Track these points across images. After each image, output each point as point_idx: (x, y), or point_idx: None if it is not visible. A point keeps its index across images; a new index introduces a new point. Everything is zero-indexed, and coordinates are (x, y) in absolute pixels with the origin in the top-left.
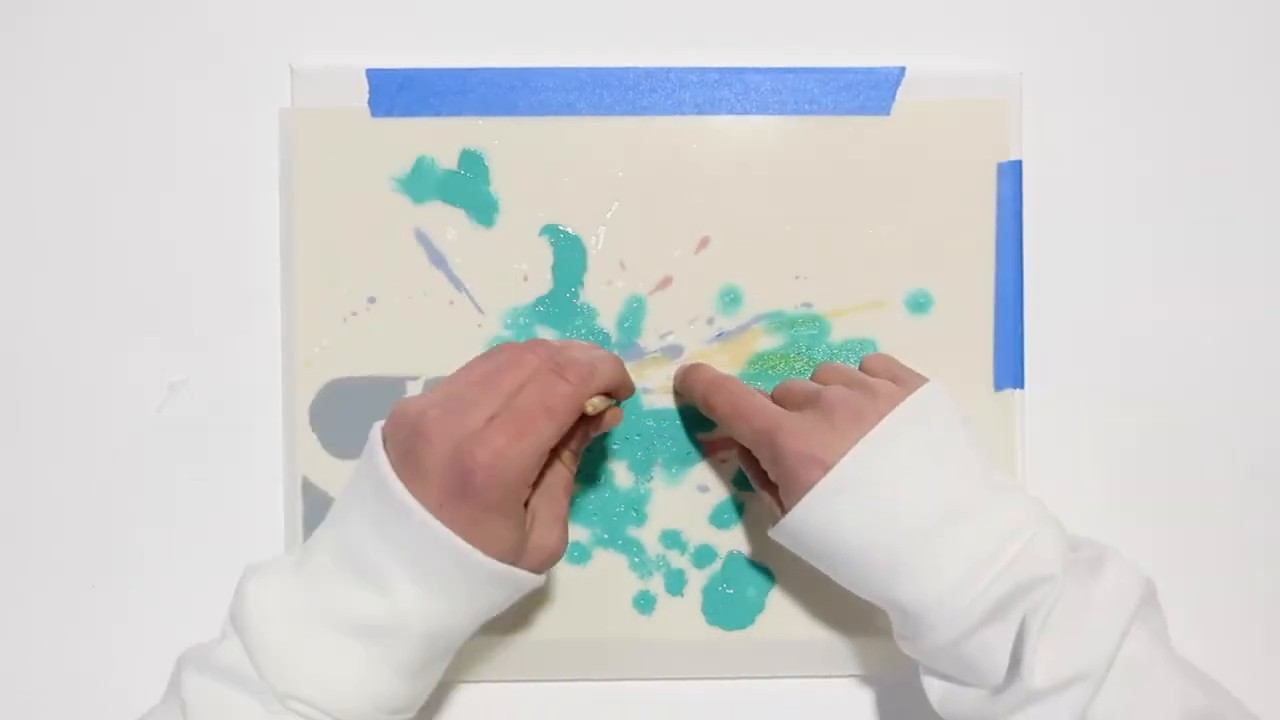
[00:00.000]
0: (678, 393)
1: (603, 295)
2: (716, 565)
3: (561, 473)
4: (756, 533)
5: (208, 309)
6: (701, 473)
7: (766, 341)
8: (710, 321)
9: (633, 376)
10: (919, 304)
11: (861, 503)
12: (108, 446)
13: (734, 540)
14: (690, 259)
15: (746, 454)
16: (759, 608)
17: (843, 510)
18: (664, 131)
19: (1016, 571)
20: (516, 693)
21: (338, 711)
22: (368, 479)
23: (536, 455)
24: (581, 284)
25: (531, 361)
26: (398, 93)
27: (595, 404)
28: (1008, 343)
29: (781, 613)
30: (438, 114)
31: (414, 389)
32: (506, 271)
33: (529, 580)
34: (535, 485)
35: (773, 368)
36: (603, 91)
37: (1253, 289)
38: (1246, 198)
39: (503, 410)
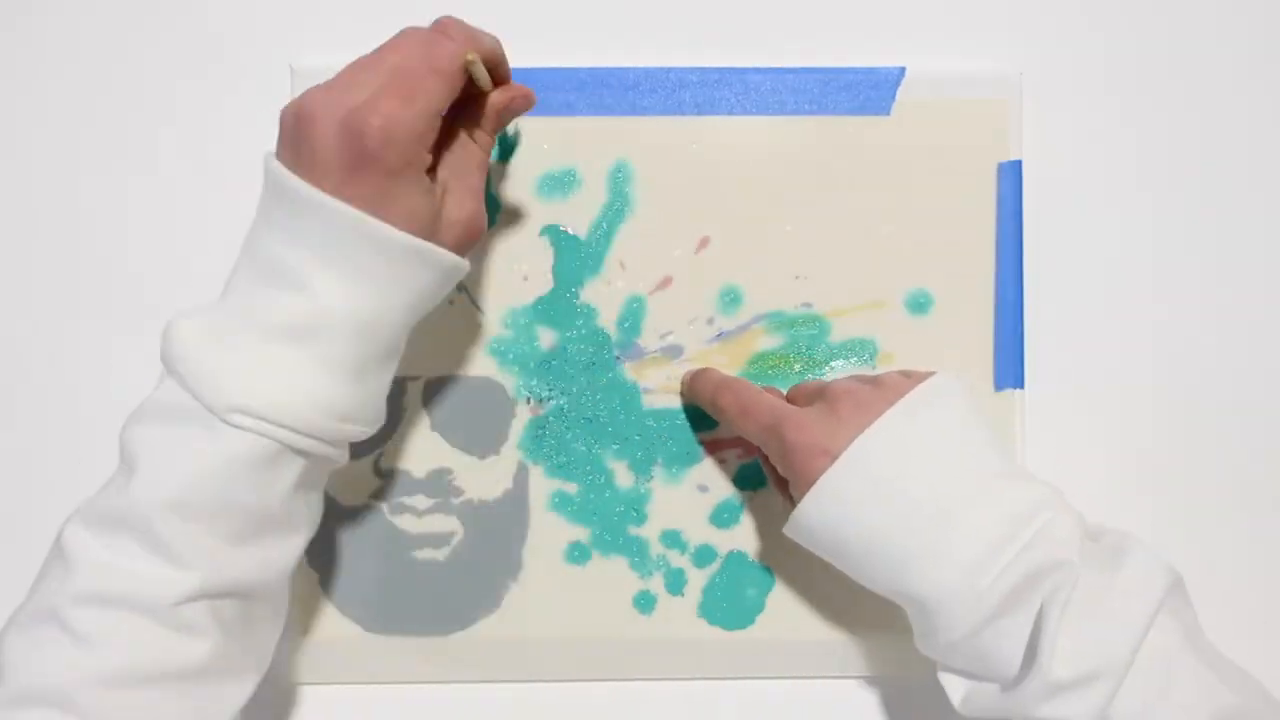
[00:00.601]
0: (684, 395)
1: (603, 295)
2: (716, 565)
3: (473, 149)
4: (756, 533)
5: None
6: (701, 472)
7: (766, 341)
8: (710, 321)
9: (633, 376)
10: (919, 304)
11: (870, 489)
12: (107, 446)
13: (734, 540)
14: (690, 259)
15: (764, 456)
16: (759, 608)
17: (851, 498)
18: (664, 131)
19: (1032, 556)
20: (516, 693)
21: (278, 416)
22: (267, 188)
23: (429, 114)
24: (581, 284)
25: (411, 34)
26: None
27: (472, 60)
28: (1008, 343)
29: (781, 613)
30: None
31: (414, 389)
32: (506, 271)
33: (449, 260)
34: (440, 158)
35: (773, 368)
36: (603, 91)
37: (1252, 288)
38: (1246, 197)
39: (389, 79)
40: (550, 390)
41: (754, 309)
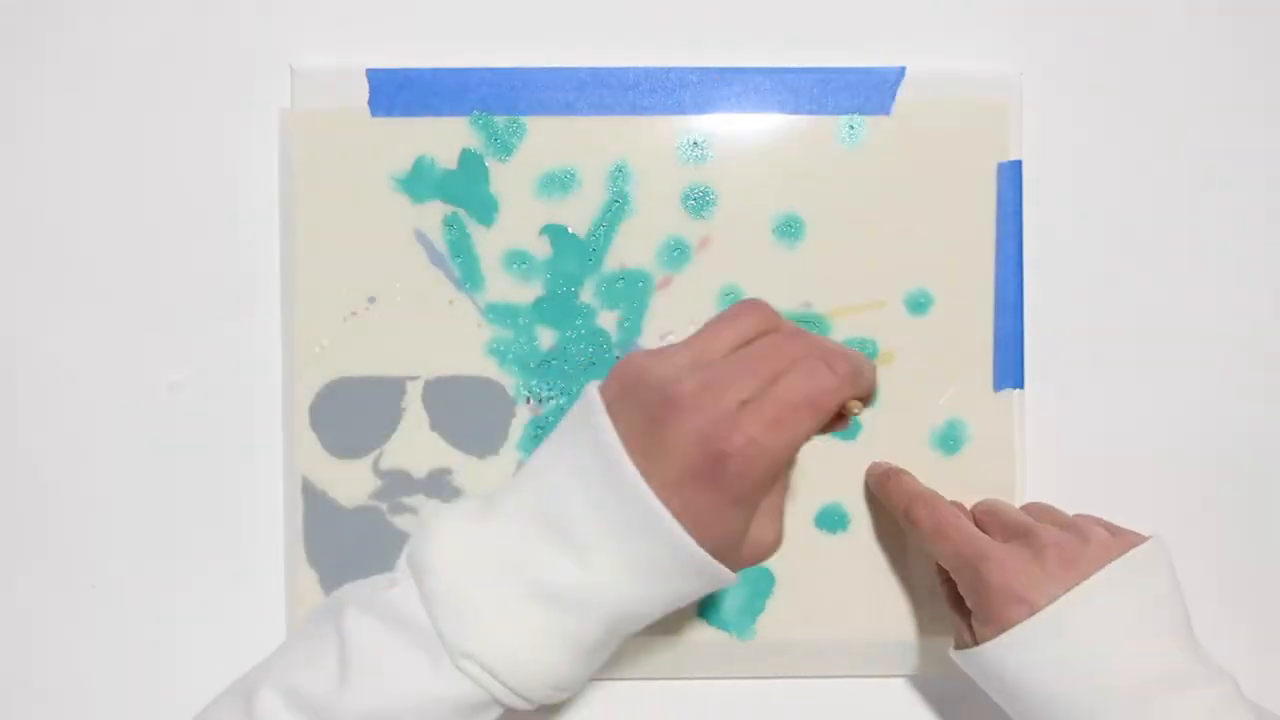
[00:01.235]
0: (871, 487)
1: (603, 295)
2: None
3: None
4: None
5: (207, 309)
6: None
7: None
8: None
9: None
10: (919, 304)
11: (1067, 652)
12: (107, 446)
13: None
14: (691, 259)
15: (942, 570)
16: (759, 609)
17: (1043, 656)
18: (664, 131)
19: None
20: None
21: (509, 678)
22: (584, 441)
23: (794, 449)
24: (581, 284)
25: (792, 350)
26: (397, 93)
27: (855, 407)
28: (1007, 343)
29: (782, 615)
30: (438, 114)
31: (414, 389)
32: (506, 271)
33: (727, 579)
34: None
35: None
36: (603, 91)
37: (1253, 288)
38: (1246, 196)
39: (759, 395)
40: (550, 390)
41: None
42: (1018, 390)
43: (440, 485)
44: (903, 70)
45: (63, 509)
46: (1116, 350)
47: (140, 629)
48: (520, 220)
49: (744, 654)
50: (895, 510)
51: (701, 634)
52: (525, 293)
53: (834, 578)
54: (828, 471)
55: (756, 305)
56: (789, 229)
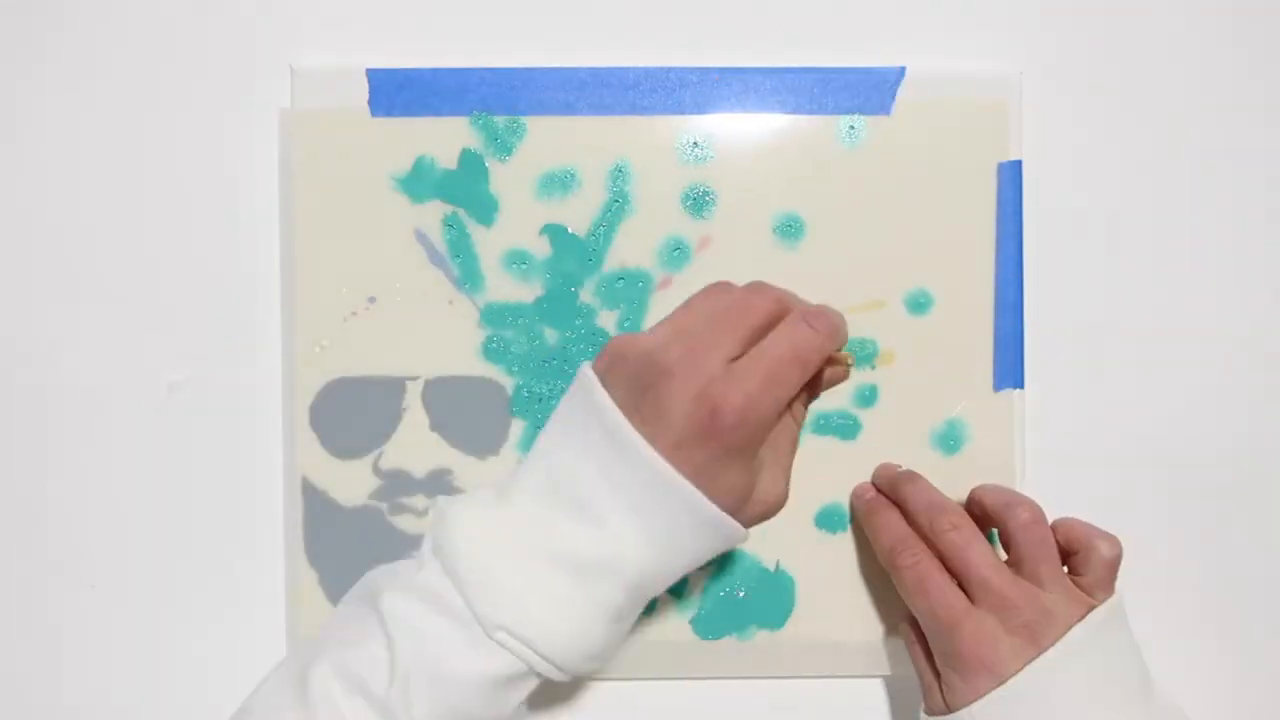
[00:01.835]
0: (855, 510)
1: (603, 295)
2: (713, 568)
3: (789, 425)
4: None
5: (207, 309)
6: None
7: None
8: None
9: None
10: (919, 304)
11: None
12: (107, 447)
13: None
14: (691, 259)
15: (914, 627)
16: (760, 609)
17: None
18: (664, 131)
19: None
20: None
21: (545, 648)
22: (587, 416)
23: (783, 403)
24: (581, 284)
25: (761, 305)
26: (397, 93)
27: (847, 358)
28: (1007, 343)
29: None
30: (438, 114)
31: (414, 389)
32: (507, 271)
33: (739, 534)
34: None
35: None
36: (603, 91)
37: (1253, 287)
38: (1246, 197)
39: (744, 352)
40: (550, 390)
41: None
42: (1018, 390)
43: (440, 485)
44: (903, 70)
45: (62, 509)
46: (1116, 350)
47: (140, 629)
48: (520, 220)
49: (738, 653)
50: (878, 547)
51: (689, 638)
52: (525, 293)
53: (833, 578)
54: (828, 471)
55: (722, 282)
56: (789, 229)
